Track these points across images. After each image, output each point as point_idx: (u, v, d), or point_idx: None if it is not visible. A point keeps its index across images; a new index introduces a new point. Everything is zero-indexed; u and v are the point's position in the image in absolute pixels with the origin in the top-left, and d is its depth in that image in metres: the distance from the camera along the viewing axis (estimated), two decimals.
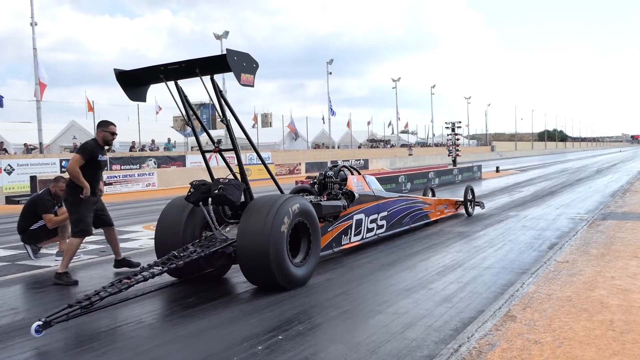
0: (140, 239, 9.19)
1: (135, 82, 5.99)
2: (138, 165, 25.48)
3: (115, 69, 5.87)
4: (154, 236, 6.21)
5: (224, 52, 5.27)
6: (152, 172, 24.00)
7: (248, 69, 5.45)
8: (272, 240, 5.30)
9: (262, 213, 5.44)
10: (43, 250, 7.74)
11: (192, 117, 6.21)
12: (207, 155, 6.30)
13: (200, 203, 5.89)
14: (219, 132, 34.53)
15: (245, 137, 6.50)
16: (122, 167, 24.58)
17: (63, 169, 22.50)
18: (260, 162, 6.17)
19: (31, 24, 24.57)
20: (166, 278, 5.78)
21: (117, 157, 25.27)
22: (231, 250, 5.74)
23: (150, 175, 23.41)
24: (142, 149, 29.93)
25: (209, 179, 6.13)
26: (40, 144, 25.68)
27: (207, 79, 5.64)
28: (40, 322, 4.05)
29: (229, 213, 6.17)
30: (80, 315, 4.34)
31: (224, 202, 5.84)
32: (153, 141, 31.09)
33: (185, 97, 6.01)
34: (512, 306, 4.63)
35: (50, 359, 3.92)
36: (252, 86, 5.48)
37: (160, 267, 5.08)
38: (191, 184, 5.97)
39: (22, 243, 7.68)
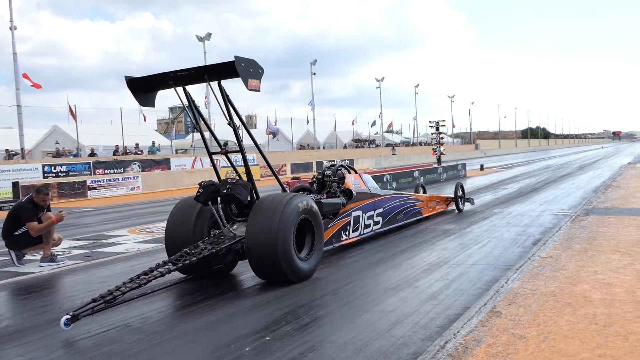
0: (125, 243, 9.11)
1: (145, 88, 6.17)
2: (122, 169, 25.26)
3: (126, 77, 6.04)
4: (164, 234, 6.41)
5: (232, 59, 5.42)
6: (137, 175, 23.83)
7: (254, 74, 5.64)
8: (279, 236, 5.51)
9: (270, 210, 5.66)
10: (27, 257, 7.65)
11: (199, 121, 6.35)
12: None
13: (209, 202, 6.06)
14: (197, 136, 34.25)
15: (251, 140, 6.76)
16: (106, 171, 24.36)
17: (46, 175, 22.27)
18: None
19: (10, 29, 24.31)
20: (175, 275, 5.89)
21: (100, 162, 25.03)
22: (239, 246, 5.96)
23: (134, 179, 23.25)
24: (126, 152, 29.68)
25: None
26: (22, 149, 25.38)
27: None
28: (69, 316, 4.30)
29: (235, 212, 6.37)
30: (104, 309, 4.58)
31: (232, 201, 6.10)
32: (137, 145, 30.85)
33: (193, 101, 6.19)
34: (497, 302, 4.68)
35: None
36: (259, 91, 5.69)
37: (173, 264, 5.29)
38: (200, 184, 6.17)
39: (6, 249, 7.58)
